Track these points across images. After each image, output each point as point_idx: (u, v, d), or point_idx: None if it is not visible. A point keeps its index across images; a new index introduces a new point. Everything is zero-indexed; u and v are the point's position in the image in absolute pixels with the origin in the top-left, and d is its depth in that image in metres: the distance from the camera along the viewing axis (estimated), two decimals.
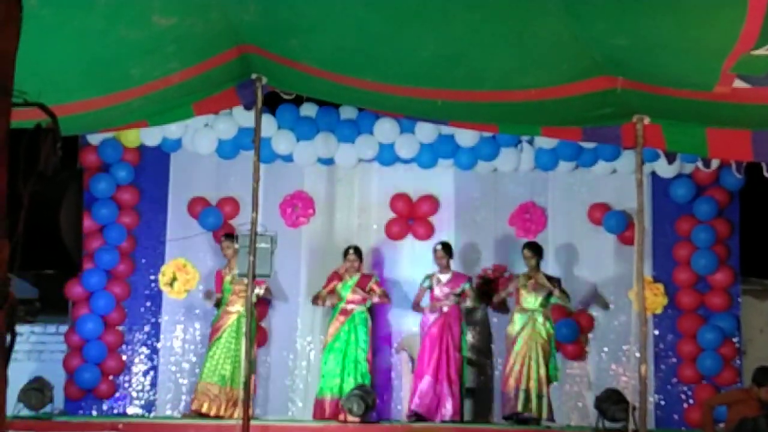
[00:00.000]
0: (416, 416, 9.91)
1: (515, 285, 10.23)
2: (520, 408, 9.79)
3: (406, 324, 10.70)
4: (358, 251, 10.39)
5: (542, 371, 9.90)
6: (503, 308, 10.65)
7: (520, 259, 10.49)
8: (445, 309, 10.18)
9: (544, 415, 9.84)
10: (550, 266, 10.66)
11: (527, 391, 9.83)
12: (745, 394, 8.86)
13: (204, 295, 10.57)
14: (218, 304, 10.35)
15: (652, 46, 5.82)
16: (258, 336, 10.46)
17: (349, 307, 10.24)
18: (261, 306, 10.54)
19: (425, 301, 10.34)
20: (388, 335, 10.84)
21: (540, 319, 10.06)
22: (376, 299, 10.33)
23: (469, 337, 10.74)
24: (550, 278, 10.23)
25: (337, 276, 10.38)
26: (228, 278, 10.27)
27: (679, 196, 10.79)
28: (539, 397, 9.86)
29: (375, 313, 10.54)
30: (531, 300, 10.11)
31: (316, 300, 10.48)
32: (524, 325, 10.03)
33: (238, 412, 9.73)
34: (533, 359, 9.92)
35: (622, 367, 10.65)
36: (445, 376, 9.96)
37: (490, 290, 10.64)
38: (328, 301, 10.35)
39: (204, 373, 10.09)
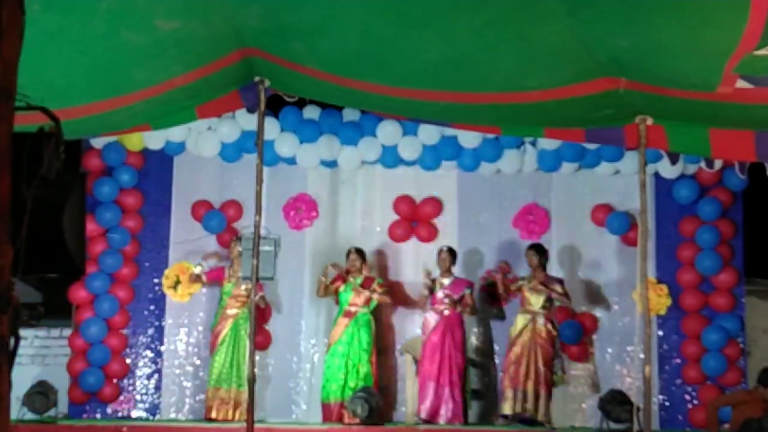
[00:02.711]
0: (424, 422, 9.94)
1: (517, 285, 10.24)
2: (518, 408, 9.80)
3: (410, 326, 10.71)
4: (359, 252, 10.41)
5: (541, 372, 9.90)
6: (500, 306, 10.67)
7: (524, 261, 10.49)
8: (446, 312, 10.18)
9: (541, 417, 9.83)
10: (554, 267, 10.68)
11: (525, 392, 9.84)
12: (749, 395, 8.85)
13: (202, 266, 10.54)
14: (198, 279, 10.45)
15: (654, 47, 5.82)
16: (261, 338, 10.48)
17: (353, 309, 10.25)
18: (264, 309, 10.54)
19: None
20: (393, 337, 10.84)
21: (541, 320, 10.06)
22: (376, 296, 10.32)
23: (473, 339, 10.76)
24: (551, 278, 10.25)
25: (341, 278, 10.38)
26: (230, 282, 10.26)
27: (683, 196, 10.79)
28: (536, 398, 9.86)
29: (379, 315, 10.55)
30: (533, 301, 10.12)
31: (319, 289, 10.46)
32: (525, 325, 10.04)
33: (239, 414, 9.82)
34: (532, 360, 9.92)
35: (627, 368, 10.65)
36: (447, 380, 9.97)
37: (495, 293, 10.64)
38: (331, 287, 10.34)
39: (211, 379, 10.12)
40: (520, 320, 10.11)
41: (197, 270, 10.39)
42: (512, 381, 9.90)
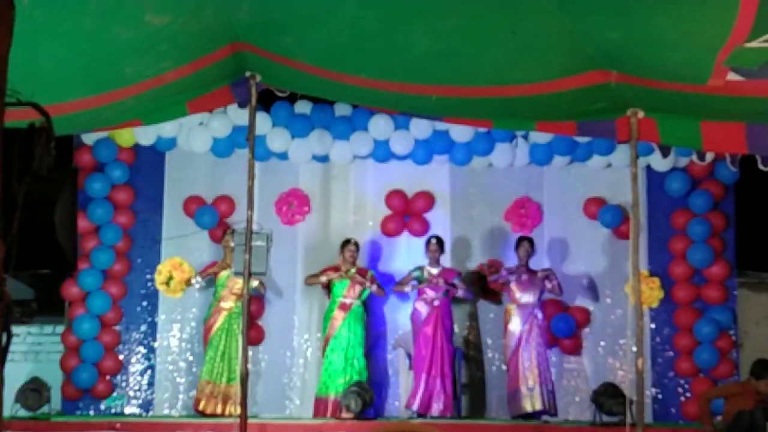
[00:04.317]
0: (418, 415, 9.96)
1: (508, 276, 10.26)
2: (539, 405, 9.84)
3: (403, 320, 10.69)
4: (356, 244, 10.41)
5: (548, 365, 9.99)
6: (496, 298, 10.70)
7: (515, 254, 10.49)
8: (437, 303, 10.19)
9: (552, 408, 9.91)
10: (546, 261, 10.68)
11: (542, 387, 9.89)
12: (742, 388, 8.86)
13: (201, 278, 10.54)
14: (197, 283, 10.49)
15: (645, 39, 5.82)
16: (254, 333, 10.48)
17: (348, 301, 10.25)
18: (257, 303, 10.54)
19: (414, 294, 10.34)
20: (384, 331, 10.84)
21: (540, 314, 10.12)
22: (374, 288, 10.31)
23: (464, 332, 10.77)
24: (543, 270, 10.30)
25: (334, 269, 10.38)
26: (224, 274, 10.27)
27: (674, 189, 10.80)
28: (551, 391, 9.93)
29: (371, 308, 10.56)
30: (528, 296, 10.14)
31: (309, 278, 10.47)
32: (527, 321, 10.05)
33: (229, 408, 9.82)
34: (541, 354, 9.97)
35: (619, 361, 10.67)
36: (438, 372, 9.98)
37: (484, 285, 10.66)
38: (323, 278, 10.35)
39: (203, 372, 10.14)
40: (518, 316, 10.11)
41: (197, 286, 10.45)
42: (536, 378, 9.91)
